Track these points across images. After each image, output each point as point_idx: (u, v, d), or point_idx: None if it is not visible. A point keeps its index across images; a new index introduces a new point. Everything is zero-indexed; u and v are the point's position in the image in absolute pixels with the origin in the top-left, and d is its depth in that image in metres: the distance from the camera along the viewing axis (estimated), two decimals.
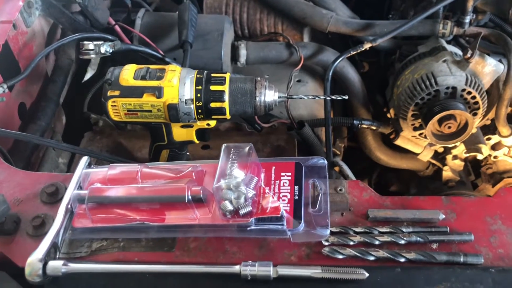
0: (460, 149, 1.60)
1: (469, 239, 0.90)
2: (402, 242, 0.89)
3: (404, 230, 0.91)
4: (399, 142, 1.60)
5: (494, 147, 1.60)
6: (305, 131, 1.43)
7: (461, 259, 0.87)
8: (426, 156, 1.64)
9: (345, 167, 1.42)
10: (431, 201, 0.97)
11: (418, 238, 0.90)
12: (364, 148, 1.71)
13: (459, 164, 1.65)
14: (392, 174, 1.86)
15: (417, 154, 1.64)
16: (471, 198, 0.97)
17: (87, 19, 1.50)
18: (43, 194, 1.02)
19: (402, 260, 0.87)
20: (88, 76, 1.54)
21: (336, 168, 1.51)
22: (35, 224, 0.96)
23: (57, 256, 0.91)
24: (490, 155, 1.62)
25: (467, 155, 1.60)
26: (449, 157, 1.64)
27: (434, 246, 0.90)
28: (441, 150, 1.64)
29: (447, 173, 1.67)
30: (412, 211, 0.94)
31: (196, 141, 1.24)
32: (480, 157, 1.60)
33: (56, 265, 0.86)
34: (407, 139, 1.59)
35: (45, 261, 0.86)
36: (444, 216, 0.93)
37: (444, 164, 1.66)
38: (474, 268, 0.85)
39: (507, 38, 1.44)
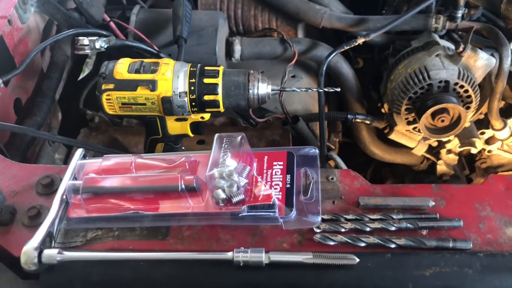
0: (454, 143, 1.61)
1: (458, 225, 0.91)
2: (393, 228, 0.90)
3: (394, 217, 0.92)
4: (393, 136, 1.60)
5: (488, 141, 1.61)
6: (300, 125, 1.43)
7: (450, 244, 0.88)
8: (420, 150, 1.65)
9: (339, 161, 1.43)
10: (421, 188, 0.98)
11: (408, 225, 0.91)
12: (358, 143, 1.72)
13: (453, 158, 1.66)
14: (387, 169, 1.87)
15: (411, 149, 1.65)
16: (461, 185, 0.98)
17: (82, 15, 1.51)
18: (38, 186, 1.03)
19: (393, 246, 0.88)
20: (84, 74, 1.55)
21: (331, 162, 1.52)
22: (30, 214, 0.97)
23: (53, 245, 0.92)
24: (484, 149, 1.62)
25: (461, 149, 1.60)
26: (443, 151, 1.65)
27: (424, 232, 0.91)
28: (435, 144, 1.65)
29: (441, 167, 1.68)
30: (403, 198, 0.95)
31: (191, 135, 1.25)
32: (474, 151, 1.61)
33: (51, 253, 0.87)
34: (401, 134, 1.59)
35: (40, 249, 0.87)
36: (434, 203, 0.94)
37: (439, 158, 1.67)
38: (463, 253, 0.86)
39: (499, 32, 1.45)
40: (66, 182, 0.97)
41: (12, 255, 0.92)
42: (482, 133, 1.60)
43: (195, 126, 1.25)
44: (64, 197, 0.96)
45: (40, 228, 0.90)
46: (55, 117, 1.57)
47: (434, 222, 0.91)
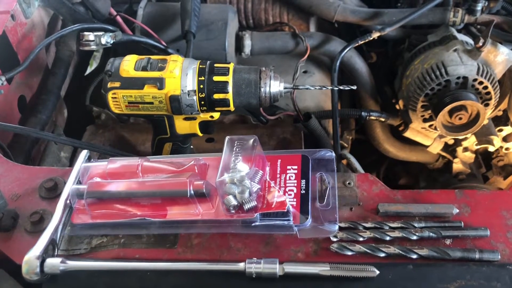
0: (471, 141, 1.57)
1: (484, 234, 0.86)
2: (414, 237, 0.86)
3: (416, 225, 0.88)
4: (408, 134, 1.57)
5: (505, 139, 1.57)
6: (312, 123, 1.39)
7: (477, 255, 0.83)
8: (436, 148, 1.62)
9: (353, 160, 1.38)
10: (444, 194, 0.93)
11: (431, 234, 0.86)
12: (372, 141, 1.68)
13: (469, 156, 1.62)
14: (401, 167, 1.83)
15: (427, 146, 1.62)
16: (486, 191, 0.93)
17: (88, 10, 1.47)
18: (41, 189, 0.99)
19: (414, 256, 0.83)
20: (91, 69, 1.51)
21: (344, 161, 1.48)
22: (33, 220, 0.93)
23: (56, 253, 0.88)
24: (501, 147, 1.59)
25: (478, 147, 1.57)
26: (459, 149, 1.61)
27: (448, 242, 0.86)
28: (451, 142, 1.61)
29: (457, 166, 1.64)
30: (424, 205, 0.90)
31: (200, 134, 1.21)
32: (491, 149, 1.57)
33: (54, 263, 0.84)
34: (416, 131, 1.56)
35: (42, 258, 0.83)
36: (458, 210, 0.89)
37: (455, 157, 1.63)
38: (490, 265, 0.81)
39: None
40: (70, 186, 0.94)
41: (14, 262, 0.89)
42: (500, 130, 1.56)
43: (204, 126, 1.20)
44: (68, 201, 0.92)
45: (42, 235, 0.87)
46: (60, 114, 1.54)
47: (458, 231, 0.87)
